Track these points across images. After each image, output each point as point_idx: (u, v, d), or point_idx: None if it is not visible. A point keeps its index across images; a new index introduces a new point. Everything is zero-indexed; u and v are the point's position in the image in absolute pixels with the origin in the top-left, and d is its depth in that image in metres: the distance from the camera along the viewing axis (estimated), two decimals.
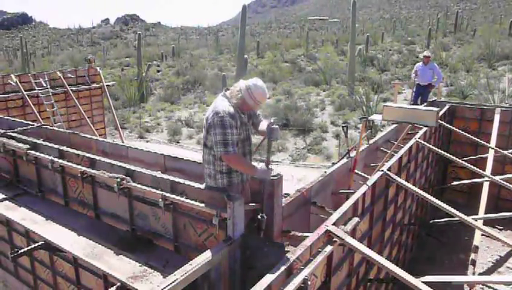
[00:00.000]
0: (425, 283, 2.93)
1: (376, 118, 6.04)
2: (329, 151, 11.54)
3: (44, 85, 11.05)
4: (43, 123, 6.95)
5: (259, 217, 2.98)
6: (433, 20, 48.01)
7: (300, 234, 3.38)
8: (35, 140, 5.07)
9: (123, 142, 10.63)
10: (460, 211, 4.45)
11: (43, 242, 3.94)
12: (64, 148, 4.65)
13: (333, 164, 5.33)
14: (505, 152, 6.80)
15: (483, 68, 21.51)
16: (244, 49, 17.71)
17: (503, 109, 7.88)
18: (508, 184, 5.84)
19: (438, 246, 6.54)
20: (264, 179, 3.00)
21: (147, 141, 13.95)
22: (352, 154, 5.27)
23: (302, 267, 2.58)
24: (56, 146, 4.71)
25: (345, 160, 5.22)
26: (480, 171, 6.11)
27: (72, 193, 4.54)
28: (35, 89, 10.80)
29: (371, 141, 6.27)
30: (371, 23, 59.69)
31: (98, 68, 13.13)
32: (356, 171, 5.22)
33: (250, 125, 3.20)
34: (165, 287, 2.41)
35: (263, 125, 3.17)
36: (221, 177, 3.08)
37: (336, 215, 3.17)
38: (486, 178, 6.21)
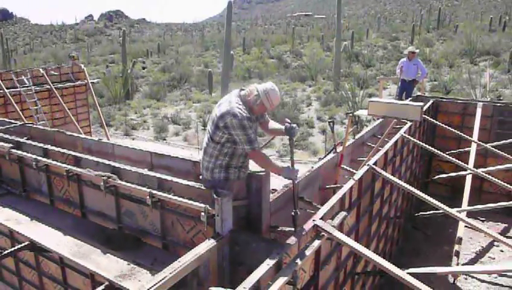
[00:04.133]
0: (411, 274, 2.99)
1: (362, 113, 6.09)
2: (316, 147, 11.61)
3: (27, 83, 10.82)
4: (26, 121, 6.82)
5: (292, 213, 3.00)
6: (417, 17, 48.56)
7: (288, 229, 3.39)
8: (18, 139, 4.97)
9: (108, 140, 10.51)
10: (444, 204, 4.54)
11: (28, 243, 3.88)
12: (49, 146, 4.57)
13: (320, 159, 5.37)
14: (487, 145, 6.95)
15: (466, 63, 21.88)
16: (230, 45, 17.62)
17: (484, 103, 8.04)
18: (490, 177, 5.98)
19: (423, 239, 6.66)
20: (290, 179, 3.07)
21: (133, 139, 13.81)
22: (339, 149, 5.31)
23: (291, 262, 2.60)
24: (40, 144, 4.63)
25: (331, 155, 5.26)
26: (464, 164, 6.23)
27: (57, 191, 4.48)
28: (17, 87, 10.57)
29: (357, 136, 6.33)
30: (356, 20, 60.11)
31: (82, 65, 12.93)
32: (343, 166, 5.26)
33: (257, 126, 3.27)
34: (154, 285, 2.39)
35: (272, 125, 3.27)
36: (219, 171, 3.11)
37: (323, 210, 3.20)
38: (469, 171, 6.34)
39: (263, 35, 45.02)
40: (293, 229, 3.04)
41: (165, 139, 13.68)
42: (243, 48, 34.31)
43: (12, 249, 3.98)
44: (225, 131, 2.98)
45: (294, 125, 3.05)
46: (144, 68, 28.75)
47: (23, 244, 3.92)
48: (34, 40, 61.72)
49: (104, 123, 12.80)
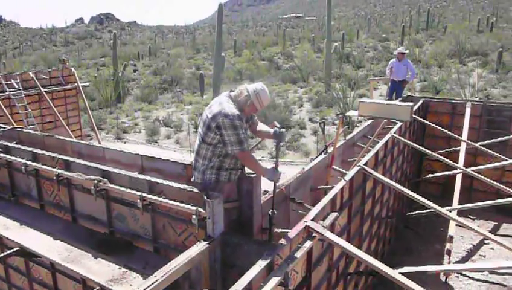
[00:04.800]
0: (403, 274, 3.01)
1: (352, 114, 6.11)
2: (308, 148, 11.65)
3: (16, 86, 10.73)
4: (15, 126, 6.75)
5: (269, 213, 3.08)
6: (406, 18, 48.97)
7: (279, 230, 3.40)
8: (7, 143, 4.92)
9: (100, 143, 10.44)
10: (435, 203, 4.58)
11: (17, 248, 3.83)
12: (38, 150, 4.52)
13: (311, 160, 5.38)
14: (476, 144, 7.03)
15: (455, 64, 22.12)
16: (221, 47, 17.63)
17: (473, 103, 8.14)
18: (479, 175, 6.05)
19: (415, 238, 6.70)
20: (272, 180, 3.10)
21: (124, 142, 13.73)
22: (330, 150, 5.33)
23: (283, 264, 2.61)
24: (29, 149, 4.58)
25: (322, 156, 5.27)
26: (454, 163, 6.30)
27: (47, 196, 4.43)
28: (6, 91, 10.48)
29: (348, 137, 6.36)
30: (346, 21, 60.39)
31: (72, 68, 12.84)
32: (334, 166, 5.28)
33: (248, 128, 3.27)
34: (145, 289, 2.38)
35: (261, 127, 3.32)
36: (210, 173, 3.11)
37: (314, 210, 3.21)
38: (459, 170, 6.41)
39: (254, 38, 45.03)
40: (285, 230, 3.05)
41: (156, 142, 13.62)
42: (234, 50, 34.29)
43: (2, 255, 3.92)
44: (217, 131, 2.99)
45: (283, 130, 3.09)
46: (135, 71, 28.59)
47: (12, 250, 3.86)
48: (24, 43, 61.05)
49: (95, 127, 12.72)
